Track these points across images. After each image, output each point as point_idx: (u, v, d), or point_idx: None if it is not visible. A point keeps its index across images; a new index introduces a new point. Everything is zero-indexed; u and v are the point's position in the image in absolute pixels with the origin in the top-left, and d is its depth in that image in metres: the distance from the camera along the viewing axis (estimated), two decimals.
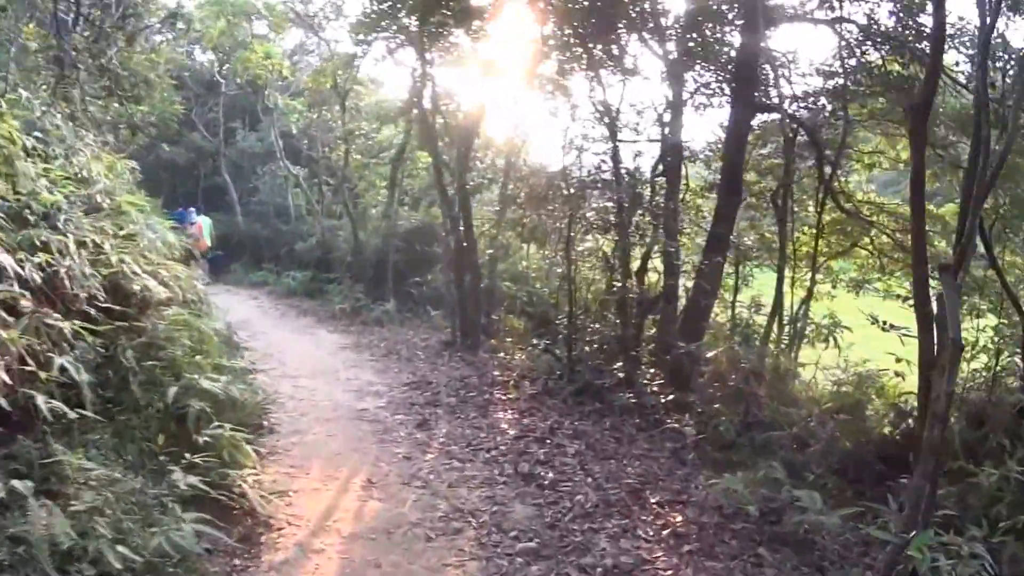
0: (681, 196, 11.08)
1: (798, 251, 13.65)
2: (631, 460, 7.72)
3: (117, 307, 6.75)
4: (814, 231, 13.20)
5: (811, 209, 13.66)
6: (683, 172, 11.28)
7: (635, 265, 10.83)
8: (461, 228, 12.51)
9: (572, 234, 10.41)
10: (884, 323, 9.23)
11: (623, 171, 10.20)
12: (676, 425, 8.51)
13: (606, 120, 10.36)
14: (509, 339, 13.28)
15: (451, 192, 13.12)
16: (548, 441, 7.98)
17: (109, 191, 8.69)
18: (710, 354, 10.10)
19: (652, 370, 10.16)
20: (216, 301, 17.02)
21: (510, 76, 14.06)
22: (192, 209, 20.06)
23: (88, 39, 15.50)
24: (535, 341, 12.24)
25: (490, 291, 13.58)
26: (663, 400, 9.41)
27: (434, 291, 16.14)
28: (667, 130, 10.85)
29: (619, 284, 10.51)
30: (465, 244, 12.35)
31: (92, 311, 6.49)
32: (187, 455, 5.91)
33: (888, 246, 13.59)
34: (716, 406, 9.26)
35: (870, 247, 13.96)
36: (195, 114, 24.50)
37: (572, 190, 10.38)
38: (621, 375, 9.96)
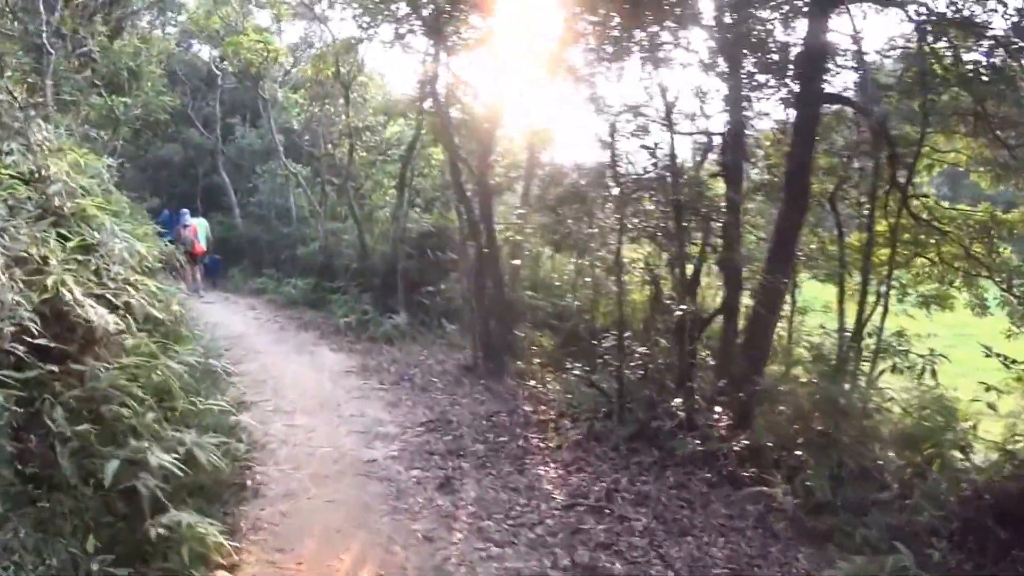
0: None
1: (855, 261, 11.91)
2: (712, 535, 6.02)
3: (55, 344, 5.10)
4: (879, 238, 11.48)
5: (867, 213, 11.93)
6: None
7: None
8: (482, 233, 10.75)
9: (622, 242, 8.68)
10: (1006, 359, 7.53)
11: (679, 168, 8.43)
12: (765, 488, 6.76)
13: (661, 110, 8.60)
14: (537, 360, 11.57)
15: (469, 193, 11.40)
16: (607, 512, 6.25)
17: (70, 192, 7.06)
18: (784, 387, 8.43)
19: (717, 408, 8.40)
20: (210, 312, 15.48)
21: (533, 64, 12.40)
22: (186, 211, 18.43)
23: (67, 23, 13.90)
24: (569, 365, 10.56)
25: (511, 303, 11.83)
26: (734, 447, 7.68)
27: (449, 302, 14.39)
28: (720, 121, 9.16)
29: (672, 300, 8.84)
30: (487, 252, 10.60)
31: (21, 349, 4.82)
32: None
33: (950, 255, 11.86)
34: (798, 454, 7.59)
35: (932, 255, 12.18)
36: (191, 109, 22.81)
37: (621, 190, 8.61)
38: (681, 414, 8.21)
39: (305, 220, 20.14)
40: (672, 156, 8.37)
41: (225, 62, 21.43)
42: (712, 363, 9.64)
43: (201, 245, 18.18)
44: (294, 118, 20.32)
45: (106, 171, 10.56)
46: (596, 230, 10.25)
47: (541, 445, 7.86)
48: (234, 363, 11.07)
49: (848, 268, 10.80)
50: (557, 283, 13.88)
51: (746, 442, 7.73)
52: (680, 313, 8.64)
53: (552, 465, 7.31)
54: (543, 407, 9.21)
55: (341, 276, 16.13)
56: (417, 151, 15.54)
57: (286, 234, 20.07)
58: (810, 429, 7.83)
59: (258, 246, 20.87)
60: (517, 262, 11.79)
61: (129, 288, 7.03)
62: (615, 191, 8.81)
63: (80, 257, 6.35)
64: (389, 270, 14.84)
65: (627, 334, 9.28)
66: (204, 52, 24.33)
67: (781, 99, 10.01)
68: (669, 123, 8.49)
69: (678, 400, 8.47)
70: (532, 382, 10.41)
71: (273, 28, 22.16)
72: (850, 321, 10.35)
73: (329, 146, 17.95)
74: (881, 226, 11.24)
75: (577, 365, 10.56)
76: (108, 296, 5.99)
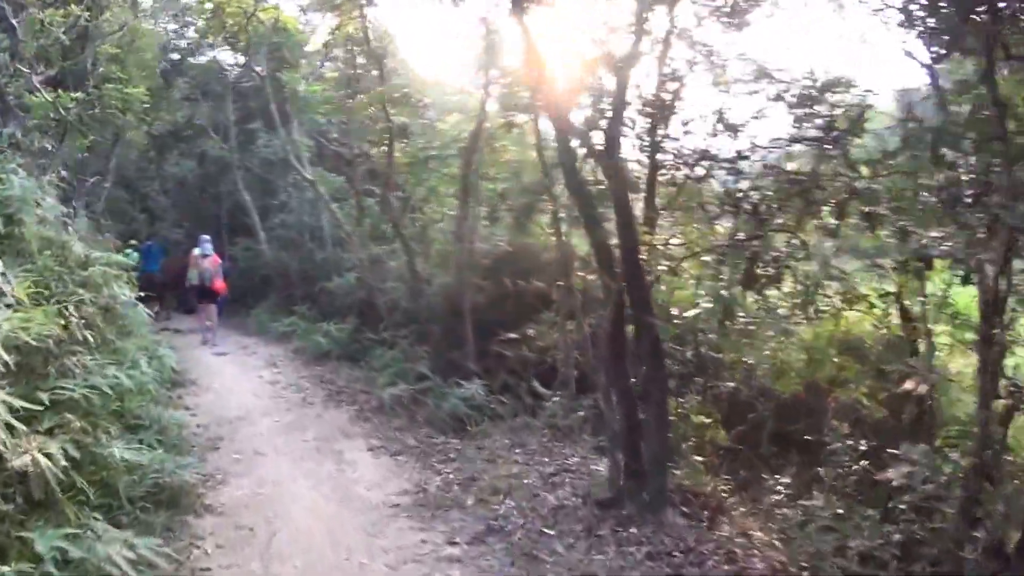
0: None
1: None
2: None
3: None
4: None
5: None
6: None
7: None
8: (618, 259, 6.19)
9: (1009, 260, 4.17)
10: None
11: None
12: None
13: None
14: (699, 458, 7.07)
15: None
16: None
17: None
18: None
19: None
20: (218, 370, 11.49)
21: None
22: (206, 237, 14.83)
23: None
24: (777, 484, 6.09)
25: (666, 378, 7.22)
26: None
27: (543, 354, 9.94)
28: None
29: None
30: (632, 289, 6.00)
31: None
32: None
33: None
34: None
35: None
36: (204, 118, 18.89)
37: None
38: None
39: (343, 243, 15.88)
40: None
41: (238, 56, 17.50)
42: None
43: (221, 280, 14.48)
44: (320, 114, 16.01)
45: (41, 191, 7.72)
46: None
47: None
48: (217, 479, 7.00)
49: None
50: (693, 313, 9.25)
51: None
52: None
53: None
54: None
55: (387, 318, 11.79)
56: (482, 141, 11.13)
57: (319, 261, 15.90)
58: None
59: (287, 277, 16.78)
60: (693, 313, 7.13)
61: None
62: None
63: None
64: (453, 310, 10.45)
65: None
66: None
67: None
68: None
69: None
70: (723, 525, 5.84)
71: (302, 20, 18.16)
72: None
73: (365, 146, 13.62)
74: None
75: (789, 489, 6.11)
76: None
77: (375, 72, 12.65)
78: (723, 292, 6.36)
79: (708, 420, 7.72)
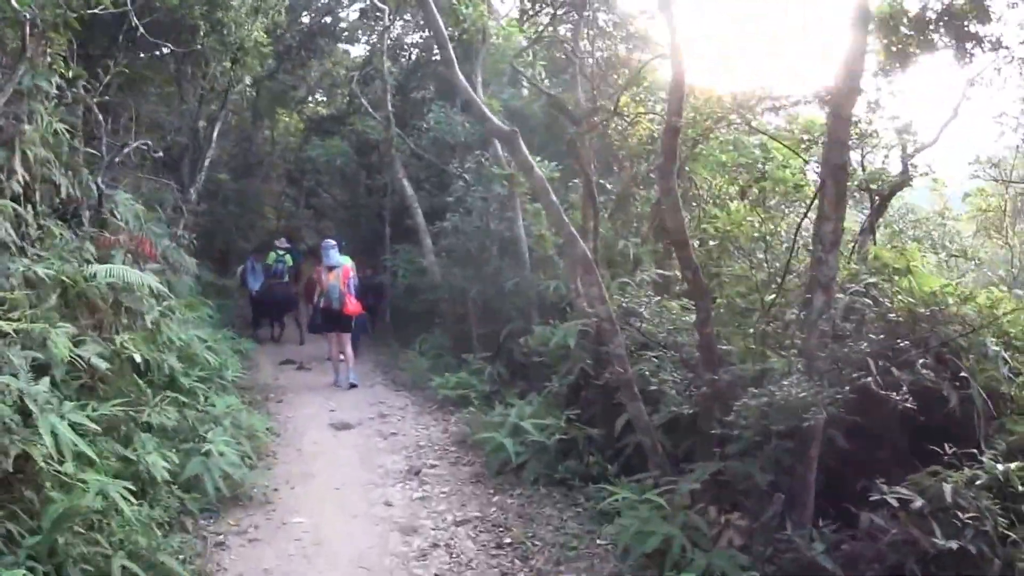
0: None
1: None
2: None
3: None
4: None
5: None
6: None
7: None
8: None
9: None
10: None
11: None
12: None
13: None
14: None
15: None
16: None
17: None
18: None
19: None
20: (327, 462, 7.93)
21: None
22: (331, 243, 11.45)
23: None
24: None
25: None
26: None
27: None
28: None
29: None
30: None
31: None
32: None
33: None
34: None
35: None
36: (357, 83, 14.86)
37: None
38: None
39: (549, 261, 10.68)
40: None
41: None
42: None
43: (354, 300, 11.22)
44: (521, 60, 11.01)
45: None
46: None
47: None
48: None
49: None
50: None
51: None
52: None
53: None
54: None
55: (639, 424, 6.39)
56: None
57: (510, 290, 10.86)
58: None
59: (461, 307, 12.16)
60: None
61: None
62: None
63: None
64: (796, 440, 5.04)
65: None
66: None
67: None
68: None
69: None
70: None
71: None
72: None
73: (602, 104, 8.40)
74: None
75: None
76: None
77: None
78: None
79: None
